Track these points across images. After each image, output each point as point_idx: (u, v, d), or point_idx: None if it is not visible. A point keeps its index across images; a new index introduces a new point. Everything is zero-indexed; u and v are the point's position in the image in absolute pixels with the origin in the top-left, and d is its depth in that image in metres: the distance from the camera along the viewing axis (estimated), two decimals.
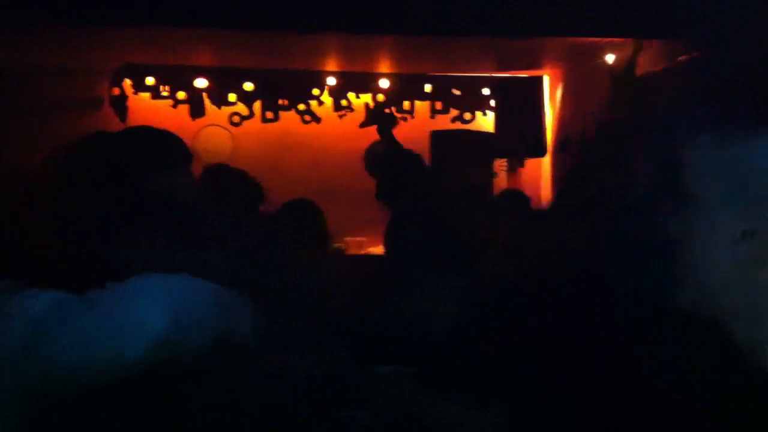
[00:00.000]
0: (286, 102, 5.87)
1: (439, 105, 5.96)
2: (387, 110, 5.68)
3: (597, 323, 1.69)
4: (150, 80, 5.70)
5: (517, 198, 3.42)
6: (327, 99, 5.90)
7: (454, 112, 5.97)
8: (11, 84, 4.73)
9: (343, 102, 5.90)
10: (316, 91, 5.85)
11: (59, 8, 3.76)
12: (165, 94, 5.75)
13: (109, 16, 3.95)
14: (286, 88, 5.83)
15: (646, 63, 4.17)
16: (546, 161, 5.75)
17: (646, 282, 1.65)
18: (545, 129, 5.69)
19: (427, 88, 5.91)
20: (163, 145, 1.43)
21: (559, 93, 5.76)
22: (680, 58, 3.42)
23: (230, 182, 2.81)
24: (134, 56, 5.47)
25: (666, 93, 3.27)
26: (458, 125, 5.92)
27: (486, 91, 5.92)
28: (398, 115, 5.84)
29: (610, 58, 4.56)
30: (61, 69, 5.15)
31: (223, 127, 5.91)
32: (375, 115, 3.99)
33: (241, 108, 5.85)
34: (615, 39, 4.31)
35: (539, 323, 1.72)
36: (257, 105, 5.85)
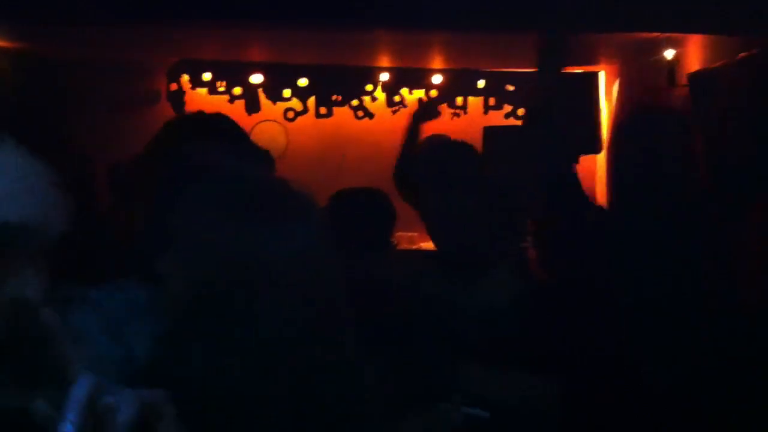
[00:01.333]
0: (339, 98, 5.92)
1: (492, 101, 5.92)
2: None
3: (658, 320, 1.67)
4: (206, 76, 5.81)
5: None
6: (380, 95, 5.93)
7: (507, 108, 5.93)
8: (71, 78, 4.88)
9: (396, 98, 5.92)
10: (369, 87, 5.88)
11: (116, 4, 3.85)
12: (221, 89, 5.85)
13: (166, 12, 4.04)
14: (339, 84, 5.87)
15: (706, 59, 4.08)
16: (601, 158, 5.66)
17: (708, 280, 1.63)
18: (601, 125, 5.62)
19: (480, 83, 5.89)
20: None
21: (615, 89, 5.67)
22: (741, 55, 3.34)
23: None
24: (191, 52, 5.59)
25: (725, 89, 3.19)
26: (512, 121, 5.88)
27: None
28: (451, 111, 5.83)
29: (668, 54, 4.47)
30: (119, 64, 5.29)
31: (278, 122, 5.99)
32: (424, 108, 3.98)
33: (296, 103, 5.92)
34: (672, 34, 4.23)
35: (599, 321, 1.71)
36: (311, 100, 5.91)
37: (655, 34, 4.25)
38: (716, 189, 2.03)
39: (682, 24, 3.53)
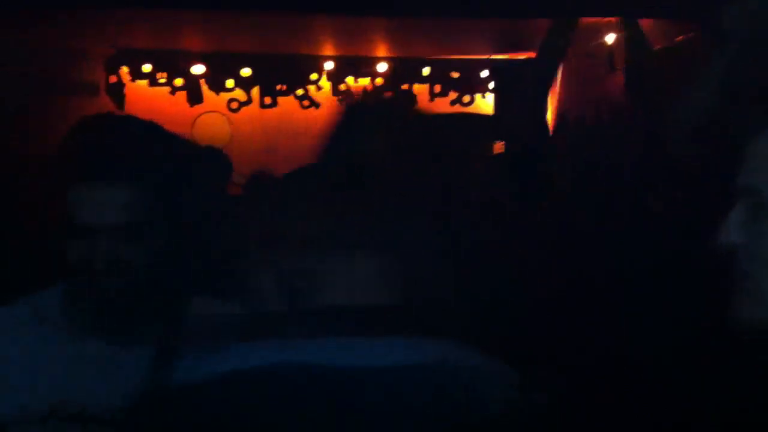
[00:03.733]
0: (284, 87, 5.85)
1: (437, 88, 5.93)
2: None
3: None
4: (147, 67, 5.67)
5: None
6: (325, 84, 5.88)
7: (452, 95, 5.95)
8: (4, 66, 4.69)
9: (342, 86, 5.88)
10: (314, 76, 5.83)
11: None
12: (162, 81, 5.72)
13: None
14: (284, 74, 5.80)
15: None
16: None
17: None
18: (545, 111, 5.67)
19: (426, 71, 5.89)
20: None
21: (558, 75, 5.73)
22: (678, 38, 3.41)
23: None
24: (130, 41, 5.45)
25: (664, 73, 3.25)
26: (458, 108, 5.90)
27: (484, 74, 5.90)
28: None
29: (608, 39, 4.53)
30: (57, 53, 5.10)
31: (222, 113, 5.89)
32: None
33: (239, 94, 5.83)
34: (612, 19, 4.28)
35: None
36: (255, 91, 5.82)
37: (595, 20, 4.30)
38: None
39: (622, 9, 3.58)
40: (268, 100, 5.84)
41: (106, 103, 5.59)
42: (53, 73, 5.33)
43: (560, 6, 3.60)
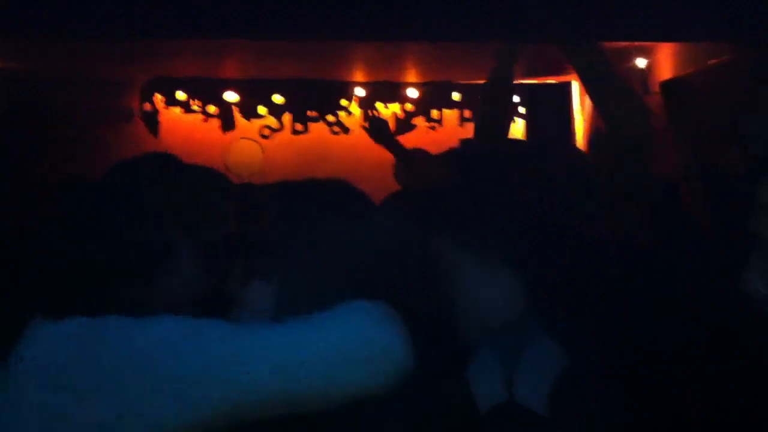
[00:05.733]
0: (315, 113, 5.91)
1: (467, 113, 5.95)
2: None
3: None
4: (180, 94, 5.77)
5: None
6: (355, 109, 5.93)
7: None
8: (40, 94, 4.80)
9: (372, 112, 5.92)
10: (344, 102, 5.88)
11: (89, 20, 3.82)
12: (196, 108, 5.81)
13: (138, 29, 4.01)
14: (314, 100, 5.86)
15: (676, 67, 4.12)
16: None
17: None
18: (574, 135, 5.65)
19: (456, 96, 5.91)
20: None
21: (588, 99, 5.71)
22: (710, 62, 3.39)
23: None
24: (164, 69, 5.55)
25: (695, 97, 3.23)
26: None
27: (515, 99, 5.90)
28: (427, 124, 5.85)
29: (639, 63, 4.51)
30: (91, 81, 5.21)
31: (254, 139, 5.96)
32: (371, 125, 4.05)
33: (271, 120, 5.90)
34: (643, 43, 4.26)
35: None
36: (287, 117, 5.89)
37: (625, 44, 4.28)
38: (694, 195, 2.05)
39: (652, 33, 3.57)
40: (299, 126, 5.90)
41: (140, 130, 5.68)
42: (90, 102, 5.45)
43: (591, 30, 3.59)
